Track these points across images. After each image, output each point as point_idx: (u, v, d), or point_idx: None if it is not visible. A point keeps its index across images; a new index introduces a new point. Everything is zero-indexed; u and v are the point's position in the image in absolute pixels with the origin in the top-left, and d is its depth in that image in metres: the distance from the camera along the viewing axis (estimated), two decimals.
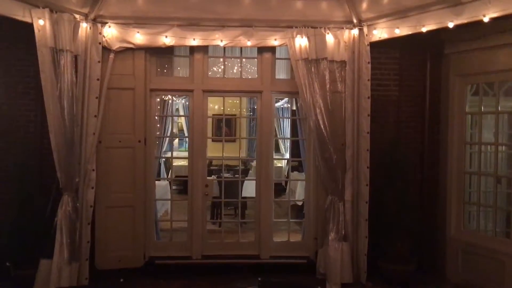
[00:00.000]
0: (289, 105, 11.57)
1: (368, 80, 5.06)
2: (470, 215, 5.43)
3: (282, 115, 12.83)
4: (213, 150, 12.06)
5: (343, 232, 5.08)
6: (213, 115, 13.46)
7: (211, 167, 9.72)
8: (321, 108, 5.09)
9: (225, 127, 13.99)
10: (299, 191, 8.07)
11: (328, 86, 5.11)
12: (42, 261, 4.55)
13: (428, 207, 5.36)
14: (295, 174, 9.13)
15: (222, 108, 5.77)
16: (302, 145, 5.71)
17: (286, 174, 11.45)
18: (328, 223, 5.14)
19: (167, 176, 10.70)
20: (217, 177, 7.35)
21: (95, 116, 4.82)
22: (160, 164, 11.62)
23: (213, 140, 13.04)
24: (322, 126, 5.08)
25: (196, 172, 5.43)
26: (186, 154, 12.45)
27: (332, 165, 5.13)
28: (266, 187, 5.50)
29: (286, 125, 12.93)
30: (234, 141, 12.37)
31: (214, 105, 11.90)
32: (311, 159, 5.50)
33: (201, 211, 5.45)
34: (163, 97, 6.18)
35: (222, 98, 5.65)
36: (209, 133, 12.53)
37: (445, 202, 5.29)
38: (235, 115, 12.90)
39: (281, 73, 6.19)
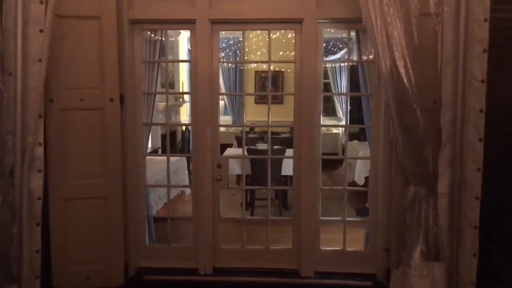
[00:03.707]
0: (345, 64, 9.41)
1: None
2: None
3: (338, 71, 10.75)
4: (257, 114, 10.38)
5: (434, 246, 3.11)
6: (256, 72, 11.88)
7: (250, 135, 7.99)
8: (400, 42, 3.01)
9: (271, 85, 12.16)
10: (359, 168, 6.09)
11: (413, 4, 3.02)
12: None
13: None
14: (354, 144, 7.13)
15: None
16: (366, 105, 3.68)
17: (344, 143, 9.45)
18: (410, 230, 3.17)
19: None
20: (248, 150, 5.53)
21: (39, 60, 3.06)
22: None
23: (255, 102, 11.39)
24: (402, 72, 3.01)
25: (202, 146, 3.60)
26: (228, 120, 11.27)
27: (418, 136, 3.08)
28: (309, 167, 3.59)
29: (345, 78, 10.77)
30: (281, 102, 10.56)
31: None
32: (380, 127, 3.49)
33: (211, 205, 3.65)
34: None
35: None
36: (251, 92, 11.03)
37: None
38: (282, 71, 11.11)
39: None
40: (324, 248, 3.68)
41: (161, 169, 4.71)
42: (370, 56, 3.52)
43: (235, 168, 5.88)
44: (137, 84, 3.57)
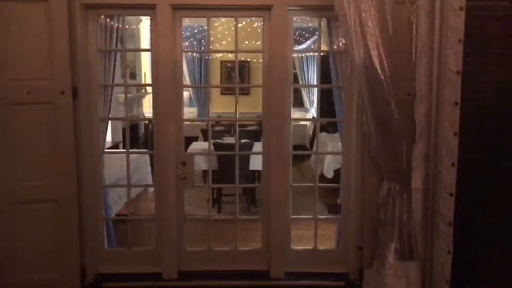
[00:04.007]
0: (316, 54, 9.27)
1: None
2: None
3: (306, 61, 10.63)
4: (223, 105, 10.08)
5: (409, 243, 3.01)
6: (222, 62, 11.52)
7: (216, 128, 7.72)
8: (374, 31, 2.87)
9: (235, 75, 11.83)
10: (328, 161, 5.99)
11: None
12: None
13: None
14: (322, 137, 7.02)
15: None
16: (337, 97, 3.53)
17: (311, 135, 9.34)
18: (384, 228, 3.06)
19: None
20: (214, 144, 5.31)
21: None
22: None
23: (222, 93, 11.07)
24: (376, 63, 2.87)
25: (165, 142, 3.35)
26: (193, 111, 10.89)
27: (392, 129, 2.97)
28: (279, 163, 3.40)
29: (312, 69, 10.63)
30: (248, 93, 10.34)
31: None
32: (353, 120, 3.34)
33: (176, 205, 3.42)
34: None
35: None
36: (216, 82, 10.71)
37: None
38: (248, 61, 10.83)
39: None
40: (295, 247, 3.52)
41: (122, 167, 4.40)
42: (341, 46, 3.36)
43: (201, 163, 5.65)
44: (92, 75, 3.27)
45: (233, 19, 3.40)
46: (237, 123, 3.66)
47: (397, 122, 2.95)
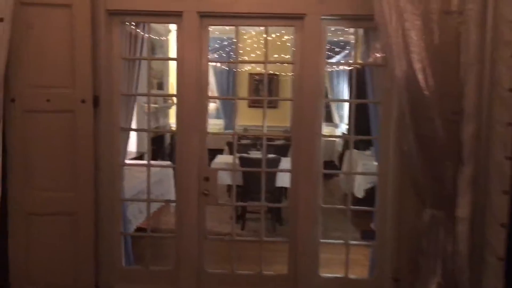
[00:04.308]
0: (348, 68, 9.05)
1: None
2: None
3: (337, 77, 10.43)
4: (250, 118, 9.91)
5: (453, 278, 2.70)
6: (250, 74, 11.35)
7: (242, 141, 7.52)
8: (418, 43, 2.62)
9: (263, 88, 11.64)
10: (359, 181, 5.68)
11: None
12: None
13: None
14: (353, 154, 6.72)
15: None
16: (373, 112, 3.28)
17: (341, 151, 9.05)
18: (425, 257, 2.76)
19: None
20: (239, 158, 5.11)
21: None
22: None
23: (249, 106, 10.89)
24: (420, 77, 2.61)
25: (188, 156, 3.16)
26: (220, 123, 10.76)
27: (435, 149, 2.69)
28: (308, 182, 3.17)
29: (342, 83, 10.38)
30: (276, 106, 10.17)
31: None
32: (390, 137, 3.08)
33: (196, 222, 3.21)
34: None
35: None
36: (244, 95, 10.53)
37: None
38: (276, 74, 10.63)
39: None
40: (324, 274, 3.24)
41: (143, 179, 4.23)
42: (379, 58, 3.13)
43: (225, 177, 5.45)
44: (114, 83, 3.13)
45: (263, 31, 3.21)
46: (265, 137, 3.45)
47: (442, 142, 2.67)
